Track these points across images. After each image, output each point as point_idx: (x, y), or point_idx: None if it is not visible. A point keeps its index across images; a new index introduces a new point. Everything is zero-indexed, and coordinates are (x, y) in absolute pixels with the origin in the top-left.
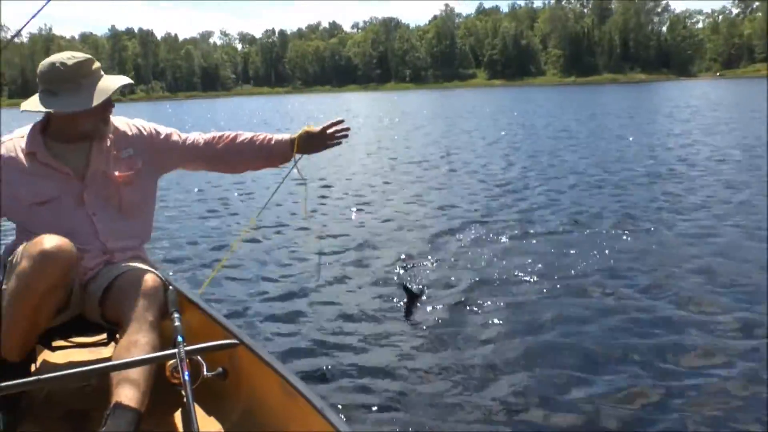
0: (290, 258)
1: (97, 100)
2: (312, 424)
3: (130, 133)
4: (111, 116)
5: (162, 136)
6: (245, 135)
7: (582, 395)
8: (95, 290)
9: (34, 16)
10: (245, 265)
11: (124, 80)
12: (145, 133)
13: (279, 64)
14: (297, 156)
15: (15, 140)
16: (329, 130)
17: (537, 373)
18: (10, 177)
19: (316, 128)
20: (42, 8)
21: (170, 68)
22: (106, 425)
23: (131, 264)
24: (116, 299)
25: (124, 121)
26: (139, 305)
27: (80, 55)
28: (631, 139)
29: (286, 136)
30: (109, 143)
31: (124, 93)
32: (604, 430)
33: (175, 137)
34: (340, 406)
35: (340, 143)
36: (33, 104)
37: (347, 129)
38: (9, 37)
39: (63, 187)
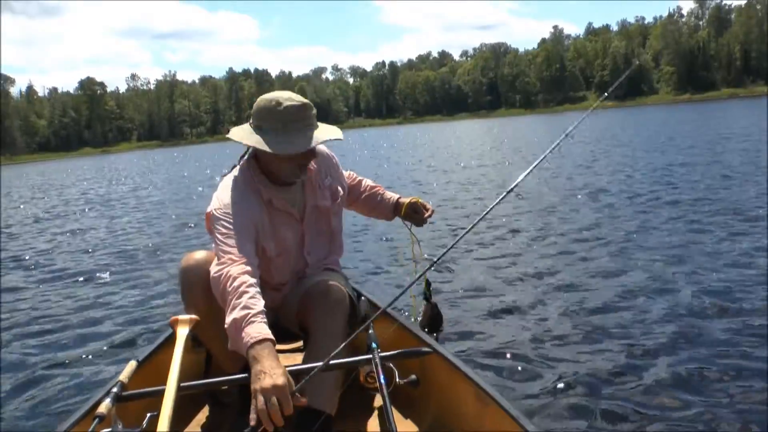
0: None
1: (314, 142)
2: None
3: (326, 161)
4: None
5: (341, 169)
6: (378, 189)
7: None
8: (293, 300)
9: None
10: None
11: (335, 134)
12: (335, 162)
13: (390, 95)
14: (408, 223)
15: (242, 188)
16: (426, 215)
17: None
18: (259, 231)
19: (428, 206)
20: None
21: None
22: (300, 426)
23: (321, 275)
24: (306, 309)
25: (319, 147)
26: (326, 315)
27: (299, 99)
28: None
29: (394, 197)
30: (313, 174)
31: None
32: None
33: (346, 173)
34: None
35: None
36: (243, 136)
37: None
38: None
39: (294, 233)
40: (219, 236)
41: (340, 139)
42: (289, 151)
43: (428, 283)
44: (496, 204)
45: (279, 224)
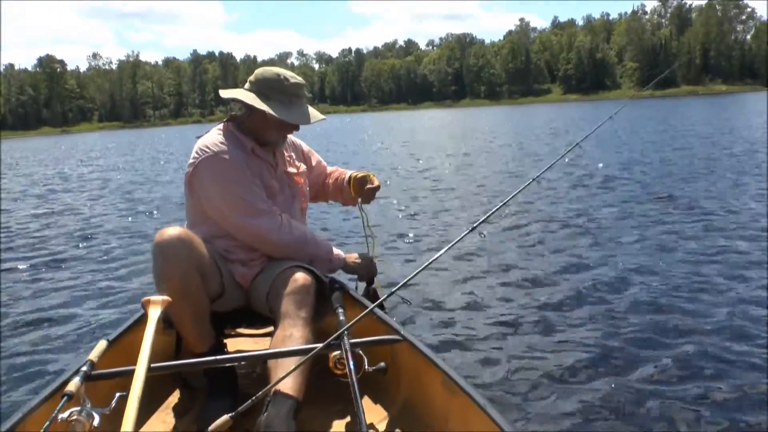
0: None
1: (313, 120)
2: (474, 421)
3: (290, 142)
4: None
5: (314, 158)
6: (344, 173)
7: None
8: (263, 285)
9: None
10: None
11: (321, 117)
12: (304, 149)
13: (355, 82)
14: (359, 200)
15: (226, 137)
16: (369, 187)
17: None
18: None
19: (375, 180)
20: None
21: None
22: (267, 411)
23: (290, 261)
24: (275, 295)
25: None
26: (292, 302)
27: (299, 78)
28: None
29: (347, 176)
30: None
31: (204, 114)
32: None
33: (322, 163)
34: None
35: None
36: (251, 99)
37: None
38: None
39: (274, 184)
40: (232, 184)
41: (324, 119)
42: (295, 121)
43: None
44: (465, 233)
45: (262, 171)
